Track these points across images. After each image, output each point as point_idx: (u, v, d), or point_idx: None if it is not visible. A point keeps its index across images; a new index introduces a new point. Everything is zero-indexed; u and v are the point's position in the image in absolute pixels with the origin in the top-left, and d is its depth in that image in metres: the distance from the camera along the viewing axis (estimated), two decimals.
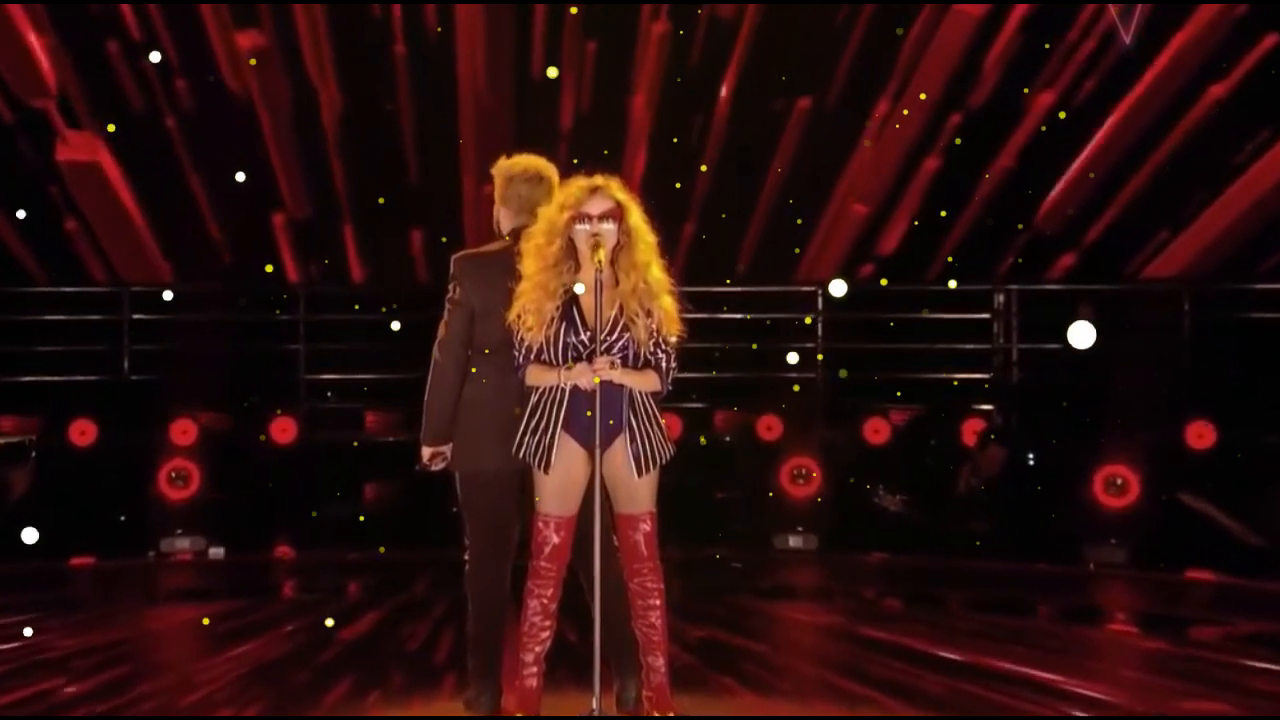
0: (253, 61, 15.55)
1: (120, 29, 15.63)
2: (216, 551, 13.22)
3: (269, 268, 15.80)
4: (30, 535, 12.00)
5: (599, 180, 6.66)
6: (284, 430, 14.14)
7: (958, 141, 15.73)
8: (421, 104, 16.01)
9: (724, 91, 15.95)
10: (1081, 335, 13.20)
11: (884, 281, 15.67)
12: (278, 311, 15.49)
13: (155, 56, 15.38)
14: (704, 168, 16.01)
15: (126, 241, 15.96)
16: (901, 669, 8.28)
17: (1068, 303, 14.79)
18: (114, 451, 13.87)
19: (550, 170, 7.11)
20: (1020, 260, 15.88)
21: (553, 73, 15.35)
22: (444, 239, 12.89)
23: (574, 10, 15.60)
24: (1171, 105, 15.34)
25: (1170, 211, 15.56)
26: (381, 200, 15.94)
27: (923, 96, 15.51)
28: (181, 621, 10.41)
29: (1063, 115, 15.48)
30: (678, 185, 15.65)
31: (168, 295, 15.11)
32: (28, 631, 9.42)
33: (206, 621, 10.07)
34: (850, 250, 16.10)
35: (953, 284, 15.20)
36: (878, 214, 16.06)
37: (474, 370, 6.86)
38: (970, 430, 14.12)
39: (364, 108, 16.08)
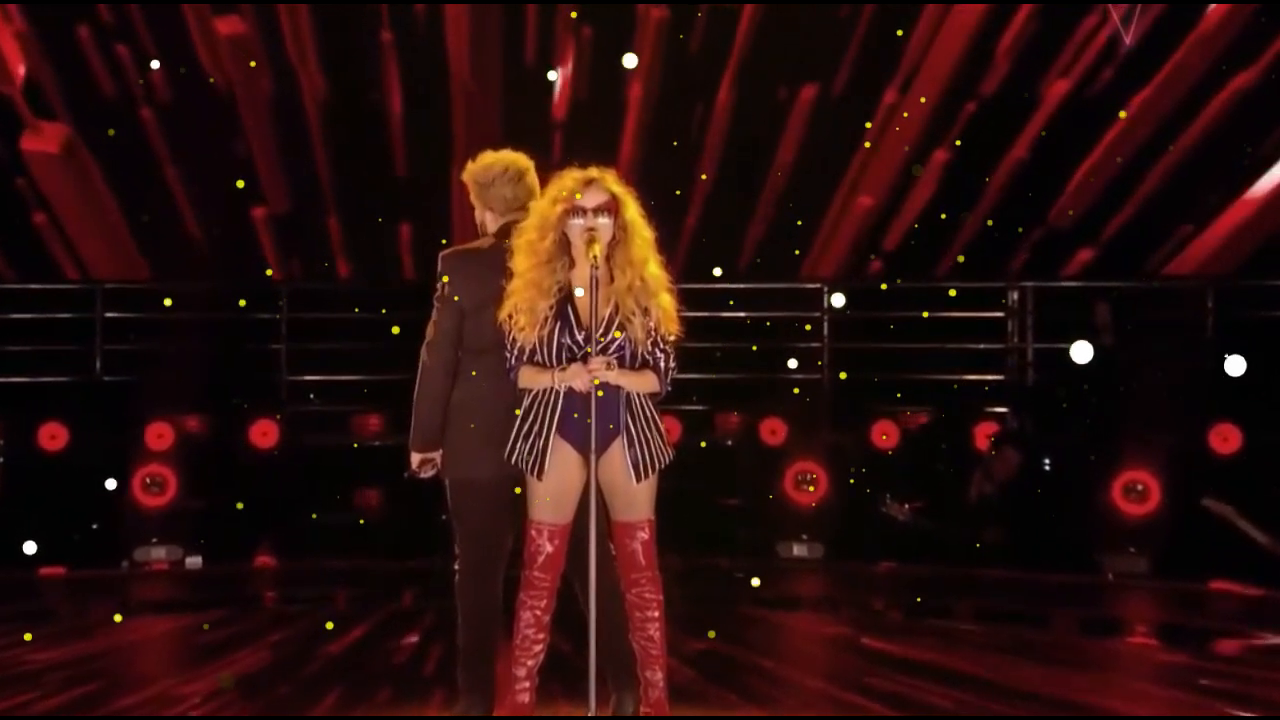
0: (252, 64, 15.56)
1: (92, 14, 15.66)
2: (194, 561, 13.25)
3: (269, 272, 15.84)
4: (30, 547, 12.08)
5: (594, 172, 6.68)
6: (265, 434, 14.16)
7: (958, 143, 15.75)
8: (409, 93, 16.04)
9: (725, 80, 15.99)
10: (1081, 352, 13.30)
11: (884, 287, 15.71)
12: (277, 315, 15.41)
13: (155, 64, 15.45)
14: (704, 160, 16.05)
15: (99, 236, 15.99)
16: (909, 683, 8.32)
17: (1085, 300, 14.79)
18: (86, 456, 13.87)
19: (528, 163, 7.12)
20: (1032, 256, 15.93)
21: (553, 75, 15.42)
22: (443, 241, 12.95)
23: (574, 15, 15.65)
24: (1193, 95, 15.37)
25: (1193, 205, 15.59)
26: (368, 194, 15.99)
27: (922, 100, 15.55)
28: (158, 634, 10.45)
29: (1078, 105, 15.53)
30: (677, 191, 15.68)
31: (168, 302, 15.09)
32: (27, 637, 9.51)
33: (207, 627, 10.13)
34: (857, 245, 16.14)
35: (953, 291, 15.24)
36: (885, 207, 16.10)
37: (472, 373, 6.86)
38: (983, 434, 14.15)
39: (349, 97, 16.12)
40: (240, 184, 15.59)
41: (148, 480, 13.33)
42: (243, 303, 15.34)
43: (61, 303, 15.44)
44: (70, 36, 15.71)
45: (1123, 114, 15.41)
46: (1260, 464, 13.30)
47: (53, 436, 13.92)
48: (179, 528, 13.31)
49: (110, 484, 13.28)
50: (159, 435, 13.58)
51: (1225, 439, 13.42)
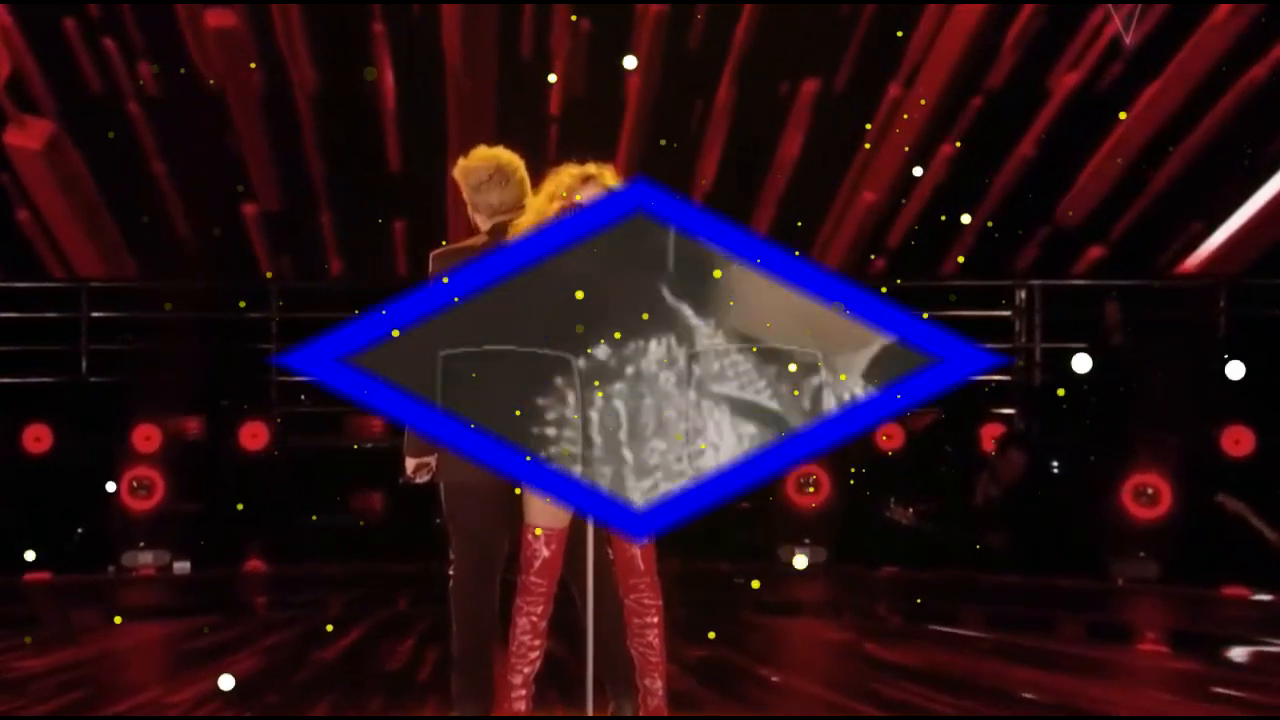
0: (252, 65, 15.57)
1: (79, 7, 15.67)
2: (182, 566, 13.27)
3: (269, 274, 15.85)
4: (29, 555, 12.12)
5: (591, 169, 6.69)
6: (255, 436, 14.17)
7: (958, 144, 15.75)
8: (403, 87, 16.05)
9: (725, 76, 16.00)
10: (1082, 363, 13.34)
11: (884, 289, 15.72)
12: (268, 314, 15.38)
13: (143, 59, 15.49)
14: (704, 159, 16.07)
15: (85, 233, 16.00)
16: (913, 690, 8.33)
17: (1094, 300, 14.80)
18: (71, 458, 13.87)
19: (517, 162, 7.11)
20: (1040, 254, 15.94)
21: (552, 78, 15.45)
22: (443, 242, 12.97)
23: (574, 18, 15.67)
24: (1204, 89, 15.37)
25: (1204, 202, 15.60)
26: (362, 190, 16.00)
27: (923, 102, 15.56)
28: (146, 640, 10.46)
29: (1086, 100, 15.54)
30: (675, 181, 15.68)
31: (168, 306, 15.09)
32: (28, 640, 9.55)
33: (206, 630, 10.14)
34: (859, 243, 16.15)
35: (953, 296, 15.24)
36: (889, 204, 16.10)
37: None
38: (989, 436, 14.17)
39: (341, 92, 16.13)
40: (239, 187, 15.61)
41: (135, 483, 13.34)
42: (243, 304, 15.34)
43: (47, 301, 15.45)
44: (56, 30, 15.72)
45: (1122, 115, 15.41)
46: (1273, 467, 13.30)
47: (37, 438, 13.92)
48: (167, 532, 13.32)
49: (110, 486, 13.28)
50: (146, 437, 13.59)
51: (1237, 441, 13.43)
